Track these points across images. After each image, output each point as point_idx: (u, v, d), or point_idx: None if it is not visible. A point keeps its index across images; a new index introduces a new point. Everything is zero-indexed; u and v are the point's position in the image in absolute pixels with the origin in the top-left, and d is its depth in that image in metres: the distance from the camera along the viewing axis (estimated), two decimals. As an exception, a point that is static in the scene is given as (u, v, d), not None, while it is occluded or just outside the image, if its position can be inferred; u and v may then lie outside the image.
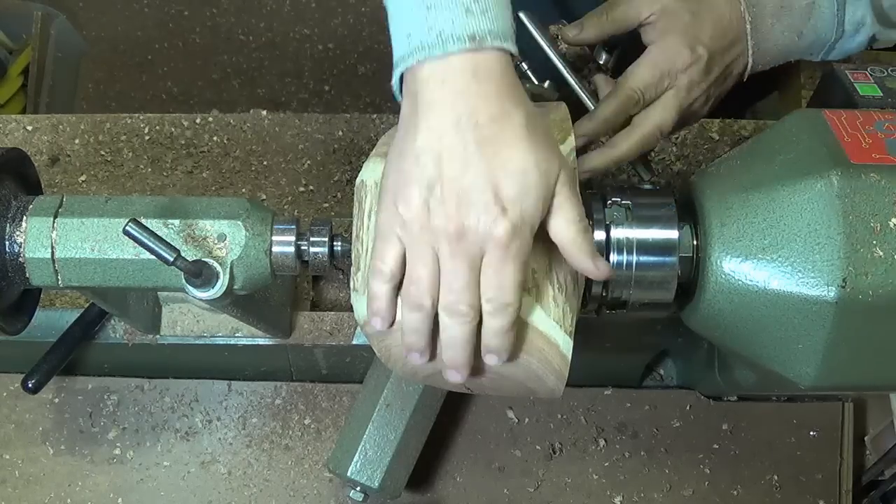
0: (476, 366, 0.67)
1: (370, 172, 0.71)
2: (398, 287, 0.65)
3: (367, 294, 0.67)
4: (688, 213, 0.75)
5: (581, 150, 0.88)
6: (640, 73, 0.86)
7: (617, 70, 0.94)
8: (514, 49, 0.63)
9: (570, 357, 0.68)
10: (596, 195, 0.76)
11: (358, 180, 0.73)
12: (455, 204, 0.62)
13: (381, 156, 0.71)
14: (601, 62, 0.93)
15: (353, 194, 0.75)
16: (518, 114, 0.63)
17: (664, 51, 0.86)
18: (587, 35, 0.87)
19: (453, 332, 0.65)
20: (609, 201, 0.75)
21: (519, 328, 0.66)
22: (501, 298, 0.63)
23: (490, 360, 0.66)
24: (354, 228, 0.72)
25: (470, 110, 0.61)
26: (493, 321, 0.64)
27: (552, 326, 0.67)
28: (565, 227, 0.65)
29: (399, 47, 0.64)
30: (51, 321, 1.02)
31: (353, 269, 0.71)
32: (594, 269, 0.65)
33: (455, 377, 0.67)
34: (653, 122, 0.88)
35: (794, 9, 0.89)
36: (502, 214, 0.61)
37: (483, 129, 0.61)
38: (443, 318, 0.64)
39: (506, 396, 1.12)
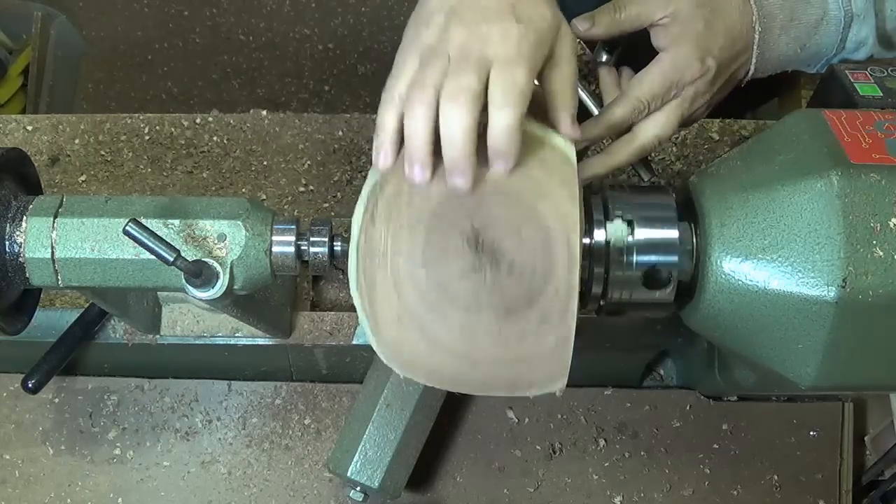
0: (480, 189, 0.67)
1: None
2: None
3: (375, 129, 0.68)
4: (688, 213, 0.75)
5: (581, 153, 0.88)
6: (650, 83, 0.86)
7: (618, 69, 0.94)
8: None
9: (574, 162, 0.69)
10: (596, 195, 0.76)
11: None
12: (473, 18, 0.67)
13: None
14: (602, 61, 0.93)
15: (353, 194, 0.75)
16: None
17: (675, 61, 0.86)
18: (597, 31, 0.88)
19: (454, 120, 0.65)
20: (609, 205, 0.75)
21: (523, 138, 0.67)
22: (510, 93, 0.65)
23: (498, 165, 0.67)
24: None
25: None
26: (499, 118, 0.65)
27: (552, 134, 0.70)
28: (559, 79, 0.71)
29: None
30: (51, 321, 1.02)
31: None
32: (570, 127, 0.71)
33: (459, 180, 0.66)
34: (653, 133, 0.88)
35: (803, 23, 0.90)
36: (516, 22, 0.66)
37: None
38: (443, 109, 0.65)
39: (505, 397, 1.12)
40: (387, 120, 0.68)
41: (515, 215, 0.67)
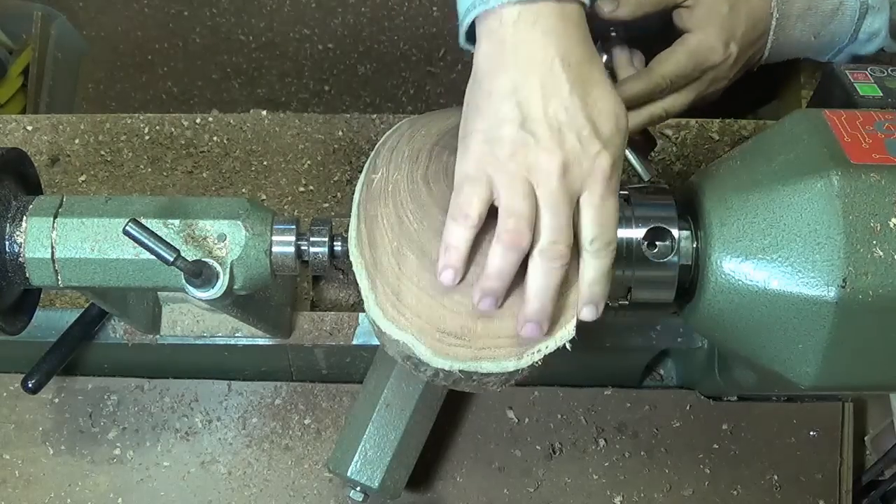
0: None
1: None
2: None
3: (443, 244, 0.64)
4: (688, 213, 0.75)
5: None
6: (676, 62, 0.86)
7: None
8: (587, 0, 0.64)
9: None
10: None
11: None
12: (555, 139, 0.61)
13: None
14: (613, 35, 0.92)
15: (353, 194, 0.75)
16: (599, 61, 0.64)
17: (700, 43, 0.86)
18: (623, 12, 0.85)
19: (547, 280, 0.62)
20: None
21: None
22: (606, 236, 0.62)
23: (588, 313, 0.65)
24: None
25: (562, 51, 0.61)
26: (596, 262, 0.63)
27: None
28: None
29: None
30: (51, 321, 1.02)
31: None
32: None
33: (534, 332, 0.65)
34: (663, 106, 0.88)
35: (819, 11, 0.90)
36: (605, 148, 0.62)
37: (574, 70, 0.62)
38: (535, 265, 0.62)
39: (505, 397, 1.12)
40: (460, 239, 0.64)
41: None
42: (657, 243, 0.74)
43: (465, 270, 0.65)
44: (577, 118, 0.61)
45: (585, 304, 0.65)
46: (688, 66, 0.86)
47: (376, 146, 0.74)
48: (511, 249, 0.62)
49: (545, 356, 0.68)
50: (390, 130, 0.75)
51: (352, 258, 0.71)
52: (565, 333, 0.68)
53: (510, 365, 0.67)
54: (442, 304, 0.68)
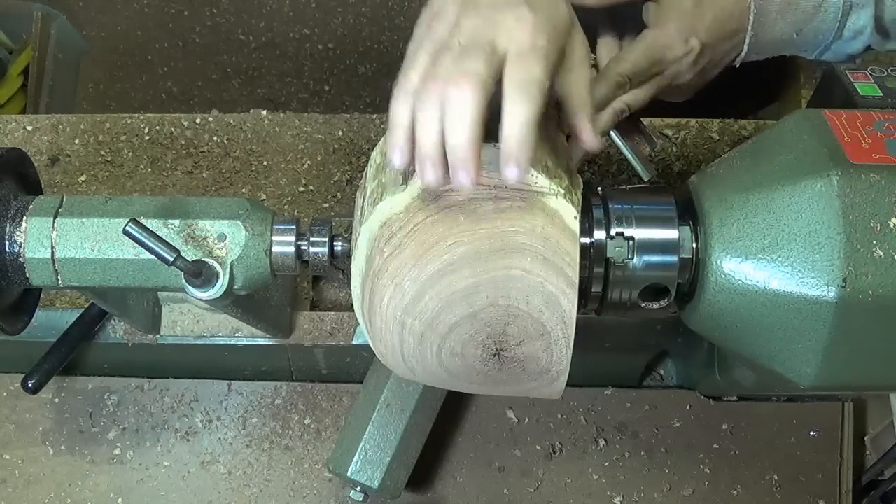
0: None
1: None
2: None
3: (388, 126, 0.64)
4: (688, 213, 0.75)
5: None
6: (632, 60, 0.86)
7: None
8: None
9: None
10: (596, 196, 0.76)
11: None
12: (487, 5, 0.64)
13: None
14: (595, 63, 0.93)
15: (353, 194, 0.75)
16: None
17: (658, 39, 0.86)
18: (591, 0, 0.86)
19: (457, 109, 0.60)
20: (609, 206, 0.75)
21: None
22: (526, 86, 0.61)
23: (509, 172, 0.62)
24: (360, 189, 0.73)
25: None
26: (514, 112, 0.61)
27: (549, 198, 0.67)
28: (575, 83, 0.68)
29: None
30: (51, 321, 1.02)
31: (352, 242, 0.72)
32: (590, 135, 0.70)
33: (464, 177, 0.62)
34: (624, 100, 0.88)
35: (801, 7, 0.89)
36: (531, 13, 0.63)
37: None
38: (447, 97, 0.61)
39: (505, 397, 1.12)
40: (399, 115, 0.64)
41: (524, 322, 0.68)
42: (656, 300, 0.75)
43: (411, 147, 0.64)
44: None
45: (505, 160, 0.62)
46: (645, 63, 0.86)
47: (370, 174, 0.73)
48: (429, 98, 0.62)
49: None
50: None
51: (354, 304, 0.72)
52: (551, 395, 0.73)
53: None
54: (441, 380, 0.72)
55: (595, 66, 0.93)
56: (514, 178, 0.62)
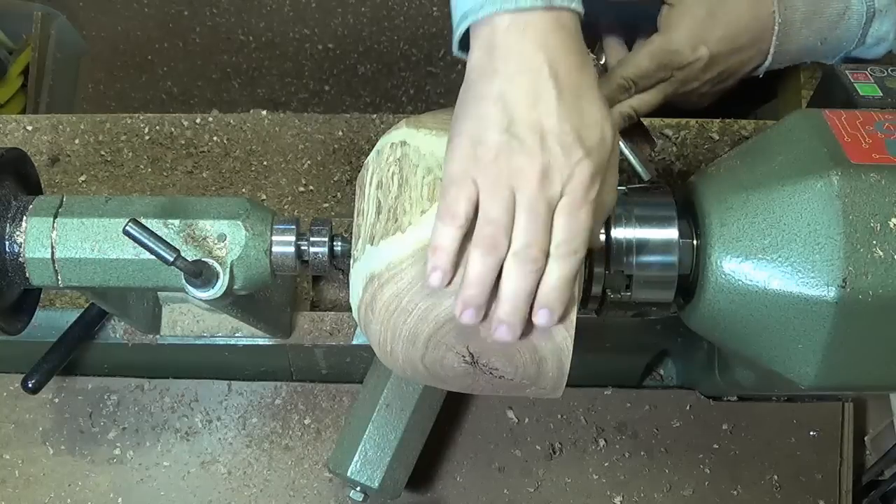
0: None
1: (383, 140, 0.73)
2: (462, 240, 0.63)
3: (431, 246, 0.64)
4: (688, 213, 0.75)
5: None
6: (636, 64, 0.86)
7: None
8: (581, 10, 0.64)
9: (570, 353, 0.68)
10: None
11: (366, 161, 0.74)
12: (538, 144, 0.61)
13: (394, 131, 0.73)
14: (601, 63, 0.93)
15: (353, 194, 0.75)
16: (591, 71, 0.64)
17: (665, 44, 0.86)
18: None
19: (519, 284, 0.62)
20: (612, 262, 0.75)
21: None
22: (572, 244, 0.62)
23: (542, 317, 0.64)
24: (357, 204, 0.72)
25: (551, 59, 0.62)
26: (558, 269, 0.62)
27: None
28: (610, 188, 0.66)
29: (466, 1, 0.64)
30: (51, 321, 1.02)
31: (353, 241, 0.72)
32: (599, 242, 0.71)
33: (507, 335, 0.64)
34: (630, 104, 0.88)
35: (825, 16, 0.90)
36: (587, 157, 0.62)
37: (564, 79, 0.62)
38: (509, 267, 0.62)
39: (505, 397, 1.12)
40: (446, 239, 0.63)
41: (511, 346, 0.68)
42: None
43: (452, 273, 0.64)
44: (562, 125, 0.61)
45: (540, 307, 0.64)
46: (650, 67, 0.86)
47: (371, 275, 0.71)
48: (488, 254, 0.62)
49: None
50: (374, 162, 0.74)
51: (355, 317, 0.72)
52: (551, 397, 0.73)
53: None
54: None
55: (603, 65, 0.93)
56: (546, 324, 0.64)
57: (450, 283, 0.64)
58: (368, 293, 0.68)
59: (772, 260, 0.69)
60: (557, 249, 0.62)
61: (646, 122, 0.98)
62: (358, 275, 0.69)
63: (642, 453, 1.12)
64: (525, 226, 0.61)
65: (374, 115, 1.25)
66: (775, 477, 1.12)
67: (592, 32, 0.93)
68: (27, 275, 0.73)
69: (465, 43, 0.66)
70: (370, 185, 0.72)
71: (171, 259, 0.67)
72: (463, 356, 0.68)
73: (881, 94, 0.97)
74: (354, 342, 1.03)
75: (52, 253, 0.72)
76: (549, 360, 0.68)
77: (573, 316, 0.67)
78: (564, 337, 0.67)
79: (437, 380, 0.71)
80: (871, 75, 0.99)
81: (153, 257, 0.67)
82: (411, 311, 0.67)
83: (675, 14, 0.86)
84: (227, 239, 0.73)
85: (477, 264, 0.62)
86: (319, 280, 1.12)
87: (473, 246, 0.63)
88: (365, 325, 0.70)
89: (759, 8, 0.88)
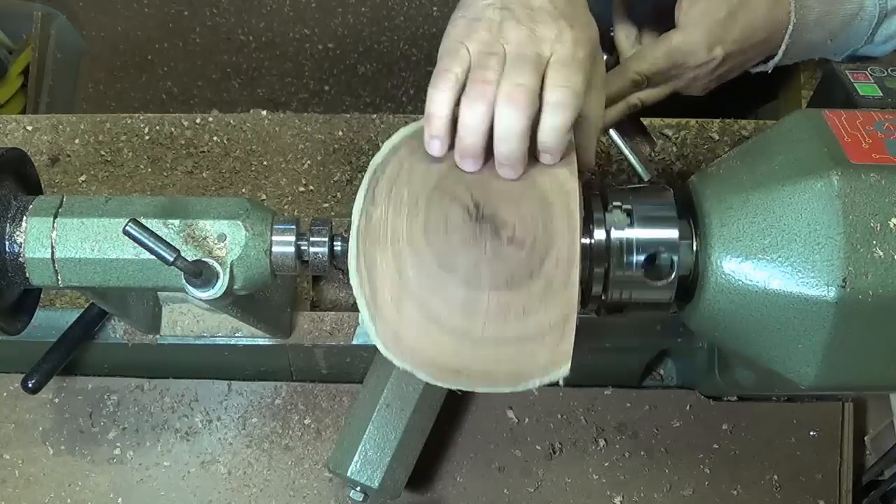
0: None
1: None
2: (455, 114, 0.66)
3: (426, 115, 0.67)
4: (688, 213, 0.75)
5: None
6: (652, 61, 0.86)
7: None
8: None
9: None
10: (596, 196, 0.76)
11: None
12: (528, 16, 0.66)
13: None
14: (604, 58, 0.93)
15: (352, 194, 0.75)
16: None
17: (683, 45, 0.86)
18: None
19: (510, 122, 0.64)
20: (610, 205, 0.75)
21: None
22: (563, 93, 0.65)
23: (545, 158, 0.68)
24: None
25: None
26: (550, 118, 0.66)
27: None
28: (594, 104, 0.71)
29: None
30: (51, 321, 1.02)
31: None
32: (591, 159, 0.74)
33: (510, 174, 0.67)
34: (639, 97, 0.88)
35: (839, 16, 0.90)
36: (570, 28, 0.67)
37: None
38: (499, 110, 0.65)
39: (505, 397, 1.12)
40: (440, 104, 0.67)
41: (516, 187, 0.68)
42: (657, 265, 0.74)
43: (450, 138, 0.67)
44: (553, 6, 0.67)
45: (542, 150, 0.67)
46: (665, 65, 0.86)
47: (374, 168, 0.72)
48: (476, 102, 0.65)
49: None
50: (389, 148, 0.74)
51: (352, 282, 0.71)
52: (557, 374, 0.69)
53: (506, 389, 0.69)
54: (440, 348, 0.68)
55: (615, 52, 0.93)
56: (550, 162, 0.68)
57: (450, 148, 0.67)
58: (372, 184, 0.70)
59: (772, 260, 0.69)
60: (549, 98, 0.65)
61: (646, 121, 0.98)
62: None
63: (642, 453, 1.12)
64: (512, 69, 0.65)
65: (374, 115, 1.25)
66: (775, 477, 1.12)
67: (605, 22, 0.93)
68: (27, 275, 0.73)
69: None
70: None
71: (171, 259, 0.67)
72: (467, 207, 0.68)
73: (881, 94, 0.97)
74: (354, 342, 1.03)
75: (52, 253, 0.72)
76: (556, 205, 0.68)
77: (574, 165, 0.70)
78: (567, 177, 0.69)
79: (445, 267, 0.69)
80: (871, 75, 0.99)
81: (153, 257, 0.67)
82: (412, 175, 0.69)
83: (695, 12, 0.86)
84: (227, 239, 0.73)
85: (467, 114, 0.65)
86: (319, 280, 1.12)
87: (464, 97, 0.66)
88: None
89: (776, 8, 0.88)
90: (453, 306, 0.67)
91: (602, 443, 1.12)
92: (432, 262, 0.68)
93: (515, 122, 0.64)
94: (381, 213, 0.69)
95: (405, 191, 0.69)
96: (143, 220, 0.68)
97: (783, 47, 0.90)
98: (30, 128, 1.23)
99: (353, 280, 0.70)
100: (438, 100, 0.66)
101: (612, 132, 0.91)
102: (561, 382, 0.69)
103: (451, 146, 0.68)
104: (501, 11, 0.67)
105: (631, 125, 0.95)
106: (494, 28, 0.67)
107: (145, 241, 0.66)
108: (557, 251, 0.67)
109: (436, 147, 0.67)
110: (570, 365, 0.68)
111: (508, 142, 0.65)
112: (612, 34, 0.92)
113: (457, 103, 0.66)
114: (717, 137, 1.24)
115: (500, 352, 0.68)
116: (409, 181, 0.70)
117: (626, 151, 0.92)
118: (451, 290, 0.67)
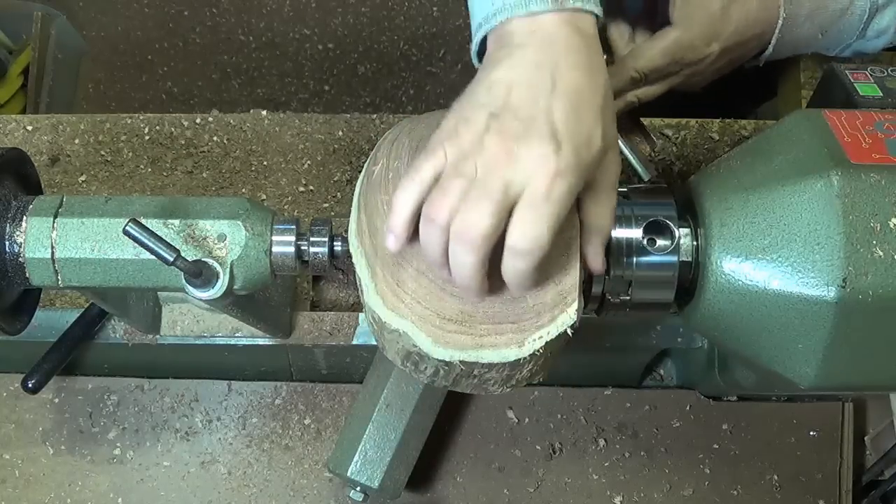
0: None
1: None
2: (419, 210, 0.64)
3: (391, 206, 0.65)
4: (688, 213, 0.75)
5: None
6: (650, 58, 0.86)
7: None
8: (599, 12, 0.64)
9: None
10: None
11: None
12: (514, 131, 0.60)
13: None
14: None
15: (352, 194, 0.75)
16: (600, 74, 0.64)
17: (680, 41, 0.86)
18: None
19: (461, 259, 0.62)
20: None
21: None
22: (522, 244, 0.61)
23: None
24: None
25: (555, 56, 0.62)
26: (512, 259, 0.62)
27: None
28: (597, 212, 0.67)
29: (482, 10, 0.65)
30: (51, 321, 1.02)
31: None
32: (598, 263, 0.69)
33: (470, 295, 0.66)
34: (636, 93, 0.88)
35: (829, 10, 0.90)
36: (556, 153, 0.60)
37: (564, 75, 0.62)
38: (453, 244, 0.62)
39: (505, 397, 1.12)
40: (404, 203, 0.64)
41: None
42: (657, 239, 0.74)
43: (407, 235, 0.65)
44: (548, 117, 0.61)
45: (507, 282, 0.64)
46: (662, 61, 0.86)
47: (377, 143, 0.75)
48: (430, 224, 0.63)
49: (547, 345, 0.67)
50: (392, 128, 0.76)
51: (351, 249, 0.71)
52: (566, 318, 0.67)
53: (511, 354, 0.66)
54: (442, 287, 0.67)
55: (609, 47, 0.93)
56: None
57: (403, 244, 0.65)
58: (373, 154, 0.73)
59: (772, 260, 0.69)
60: (507, 240, 0.61)
61: (645, 121, 0.98)
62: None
63: (642, 453, 1.12)
64: (471, 200, 0.61)
65: (374, 115, 1.25)
66: (775, 477, 1.12)
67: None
68: (27, 275, 0.73)
69: (482, 54, 0.67)
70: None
71: (171, 259, 0.67)
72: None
73: (881, 94, 0.97)
74: (354, 342, 1.03)
75: (52, 253, 0.72)
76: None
77: (576, 282, 0.68)
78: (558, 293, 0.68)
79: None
80: (871, 75, 0.99)
81: (153, 257, 0.67)
82: (413, 133, 0.71)
83: (690, 8, 0.86)
84: (227, 239, 0.73)
85: (422, 231, 0.64)
86: (319, 280, 1.12)
87: (425, 211, 0.63)
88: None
89: (767, 2, 0.88)
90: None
91: (602, 443, 1.12)
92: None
93: (463, 257, 0.62)
94: (382, 165, 0.71)
95: (406, 140, 0.72)
96: (143, 220, 0.68)
97: (773, 41, 0.90)
98: (30, 128, 1.23)
99: (353, 239, 0.71)
100: (403, 198, 0.64)
101: None
102: (570, 332, 0.67)
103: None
104: (489, 118, 0.61)
105: (630, 124, 0.95)
106: (476, 137, 0.61)
107: (145, 241, 0.66)
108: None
109: (390, 242, 0.65)
110: (578, 307, 0.67)
111: (461, 275, 0.63)
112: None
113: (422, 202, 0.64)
114: (717, 137, 1.24)
115: (502, 286, 0.66)
116: (411, 133, 0.72)
117: (626, 151, 0.92)
118: None
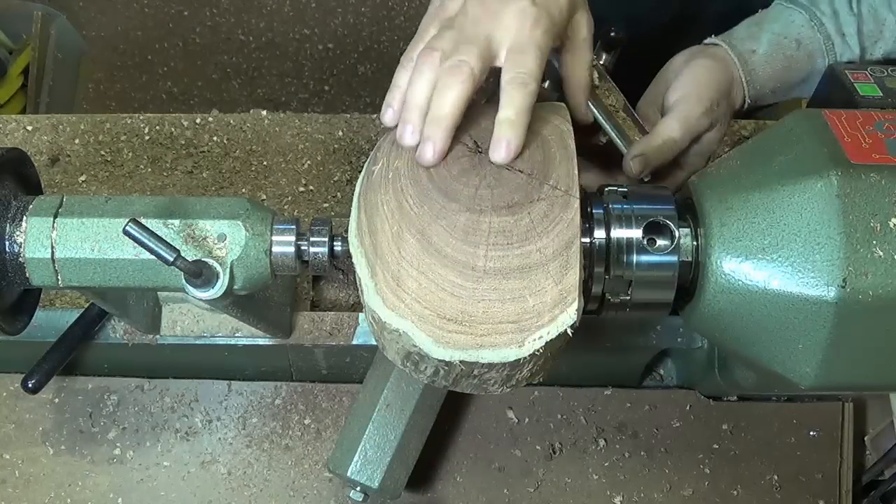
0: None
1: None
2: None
3: (391, 86, 0.72)
4: (688, 213, 0.75)
5: None
6: (679, 138, 0.92)
7: (616, 71, 0.94)
8: None
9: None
10: (596, 195, 0.76)
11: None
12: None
13: None
14: (602, 62, 0.93)
15: (352, 194, 0.75)
16: None
17: (689, 118, 0.92)
18: None
19: (446, 92, 0.67)
20: (608, 204, 0.75)
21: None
22: (520, 86, 0.68)
23: (498, 153, 0.68)
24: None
25: None
26: (507, 98, 0.68)
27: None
28: (575, 64, 0.78)
29: None
30: (51, 321, 1.02)
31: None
32: (584, 113, 0.79)
33: (428, 152, 0.69)
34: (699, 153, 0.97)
35: (793, 81, 1.01)
36: (532, 4, 0.70)
37: None
38: (440, 79, 0.68)
39: (505, 397, 1.12)
40: (400, 80, 0.72)
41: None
42: (657, 239, 0.73)
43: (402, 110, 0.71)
44: None
45: (496, 140, 0.69)
46: (685, 142, 0.93)
47: (378, 143, 0.75)
48: (419, 72, 0.69)
49: (547, 345, 0.66)
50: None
51: (351, 248, 0.71)
52: (566, 318, 0.66)
53: (511, 354, 0.66)
54: (442, 287, 0.67)
55: (603, 65, 0.93)
56: (503, 159, 0.68)
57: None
58: (372, 154, 0.75)
59: (772, 260, 0.69)
60: (504, 92, 0.68)
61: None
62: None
63: (642, 453, 1.12)
64: (461, 44, 0.69)
65: (374, 115, 1.25)
66: (775, 477, 1.12)
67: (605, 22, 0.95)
68: (27, 275, 0.73)
69: None
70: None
71: (171, 259, 0.67)
72: (466, 144, 0.71)
73: (881, 94, 0.97)
74: (354, 342, 1.03)
75: (52, 253, 0.72)
76: (552, 141, 0.71)
77: (567, 113, 0.74)
78: (560, 121, 0.73)
79: (446, 195, 0.69)
80: (871, 75, 0.99)
81: (153, 257, 0.67)
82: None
83: (678, 94, 0.93)
84: (227, 239, 0.73)
85: (412, 80, 0.70)
86: (319, 280, 1.12)
87: (414, 67, 0.70)
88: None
89: (733, 99, 0.98)
90: (454, 233, 0.67)
91: (602, 443, 1.12)
92: (433, 191, 0.69)
93: (450, 93, 0.67)
94: (383, 164, 0.72)
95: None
96: (143, 220, 0.68)
97: (747, 101, 0.99)
98: (30, 128, 1.23)
99: (353, 239, 0.72)
100: (400, 74, 0.72)
101: (590, 104, 0.91)
102: (570, 332, 0.66)
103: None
104: None
105: (624, 119, 0.95)
106: (460, 5, 0.71)
107: (145, 241, 0.66)
108: (556, 175, 0.69)
109: (389, 115, 0.72)
110: (578, 307, 0.66)
111: (439, 106, 0.68)
112: (612, 35, 0.92)
113: None
114: (717, 137, 1.24)
115: (503, 286, 0.66)
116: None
117: (608, 126, 0.91)
118: (452, 217, 0.68)
